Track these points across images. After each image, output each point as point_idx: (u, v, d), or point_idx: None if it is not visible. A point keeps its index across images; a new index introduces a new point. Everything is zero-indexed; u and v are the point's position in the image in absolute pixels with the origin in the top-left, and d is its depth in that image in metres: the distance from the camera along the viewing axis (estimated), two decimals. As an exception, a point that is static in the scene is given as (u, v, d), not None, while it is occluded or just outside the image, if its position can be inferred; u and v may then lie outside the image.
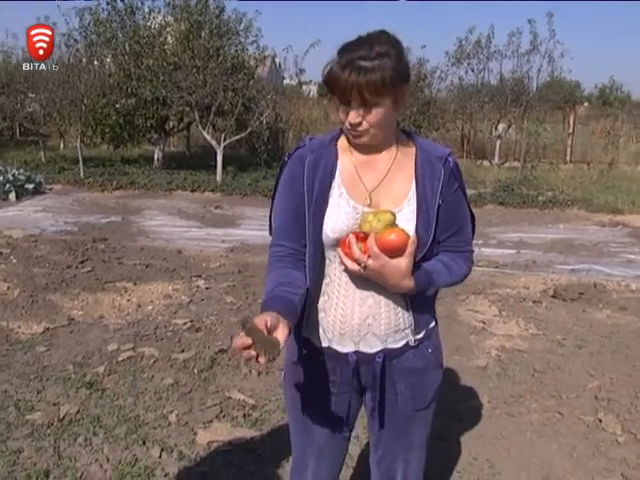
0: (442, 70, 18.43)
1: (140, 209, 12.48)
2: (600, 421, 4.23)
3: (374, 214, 1.94)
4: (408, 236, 1.92)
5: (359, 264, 1.94)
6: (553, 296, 7.00)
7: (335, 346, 2.13)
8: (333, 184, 2.05)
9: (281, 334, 1.71)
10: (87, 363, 4.97)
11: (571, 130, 20.82)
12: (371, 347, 2.11)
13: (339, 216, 2.02)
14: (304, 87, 20.23)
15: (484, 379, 4.89)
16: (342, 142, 2.11)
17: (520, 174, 16.37)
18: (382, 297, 2.06)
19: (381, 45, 1.86)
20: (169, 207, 12.71)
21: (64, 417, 4.08)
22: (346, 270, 2.02)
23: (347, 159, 2.08)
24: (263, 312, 1.80)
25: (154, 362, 5.00)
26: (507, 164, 18.59)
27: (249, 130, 16.12)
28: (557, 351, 5.47)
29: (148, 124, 17.39)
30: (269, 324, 1.70)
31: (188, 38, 15.92)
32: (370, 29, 1.93)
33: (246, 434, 3.98)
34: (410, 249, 1.92)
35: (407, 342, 2.14)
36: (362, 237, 1.94)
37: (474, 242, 2.24)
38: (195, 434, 3.96)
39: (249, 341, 1.62)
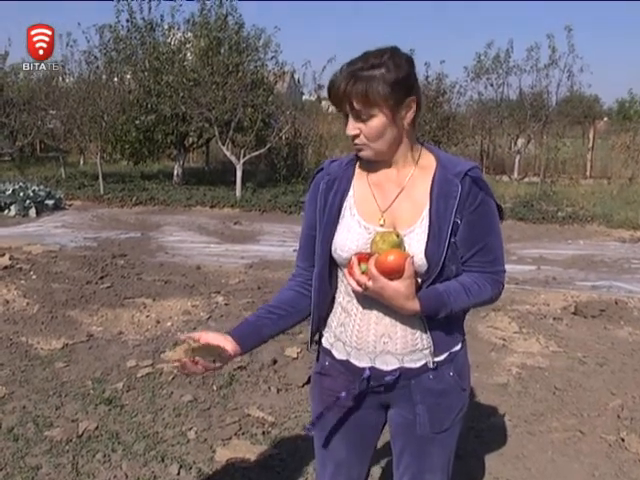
0: (461, 85, 18.57)
1: (159, 225, 12.53)
2: (623, 440, 4.17)
3: (381, 235, 1.93)
4: (407, 257, 1.90)
5: (360, 285, 1.94)
6: (574, 313, 6.94)
7: (353, 360, 2.13)
8: (345, 205, 2.07)
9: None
10: (106, 379, 4.98)
11: (591, 145, 20.76)
12: (387, 364, 2.09)
13: (348, 237, 2.02)
14: (323, 102, 20.23)
15: (504, 397, 4.85)
16: (360, 163, 2.11)
17: (540, 189, 16.32)
18: (398, 316, 2.03)
19: (378, 57, 1.86)
20: (188, 223, 12.76)
21: (83, 433, 4.08)
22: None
23: (363, 180, 2.09)
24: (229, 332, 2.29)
25: (173, 378, 4.99)
26: (526, 179, 18.56)
27: (268, 146, 16.18)
28: (578, 369, 5.42)
29: (168, 140, 17.55)
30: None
31: (207, 54, 16.07)
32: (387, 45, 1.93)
33: (265, 451, 3.95)
34: (409, 271, 1.88)
35: (426, 363, 2.10)
36: (366, 258, 1.94)
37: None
38: (214, 451, 3.94)
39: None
